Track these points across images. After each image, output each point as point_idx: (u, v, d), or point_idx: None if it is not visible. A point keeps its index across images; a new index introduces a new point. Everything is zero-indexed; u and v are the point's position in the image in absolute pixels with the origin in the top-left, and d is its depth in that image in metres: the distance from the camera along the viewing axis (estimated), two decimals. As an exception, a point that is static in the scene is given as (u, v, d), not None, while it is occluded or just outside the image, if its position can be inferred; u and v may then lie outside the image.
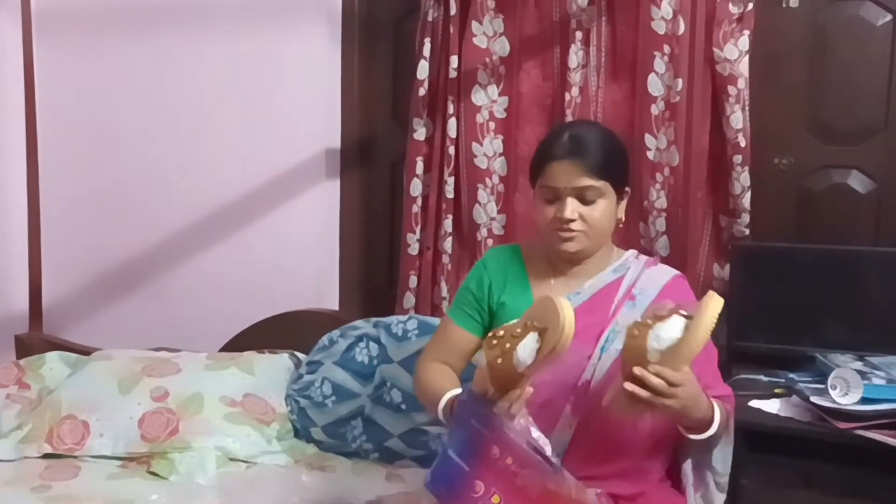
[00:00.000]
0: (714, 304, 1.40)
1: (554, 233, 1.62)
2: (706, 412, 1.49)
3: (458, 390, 1.63)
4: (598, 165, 1.59)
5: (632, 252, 1.76)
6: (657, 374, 1.37)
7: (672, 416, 1.47)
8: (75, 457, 2.17)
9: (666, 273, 1.72)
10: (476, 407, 1.44)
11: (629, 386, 1.38)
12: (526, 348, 1.40)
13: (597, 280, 1.67)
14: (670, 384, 1.38)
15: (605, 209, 1.62)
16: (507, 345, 1.41)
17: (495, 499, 1.40)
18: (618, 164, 1.65)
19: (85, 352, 2.62)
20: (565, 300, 1.42)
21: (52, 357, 2.60)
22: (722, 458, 1.66)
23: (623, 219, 1.68)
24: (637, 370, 1.38)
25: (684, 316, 1.41)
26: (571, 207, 1.59)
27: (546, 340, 1.40)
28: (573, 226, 1.60)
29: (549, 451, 1.44)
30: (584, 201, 1.60)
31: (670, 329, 1.40)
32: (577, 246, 1.63)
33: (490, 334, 1.45)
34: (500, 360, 1.40)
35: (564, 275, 1.69)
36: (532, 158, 1.69)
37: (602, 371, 1.60)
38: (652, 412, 1.43)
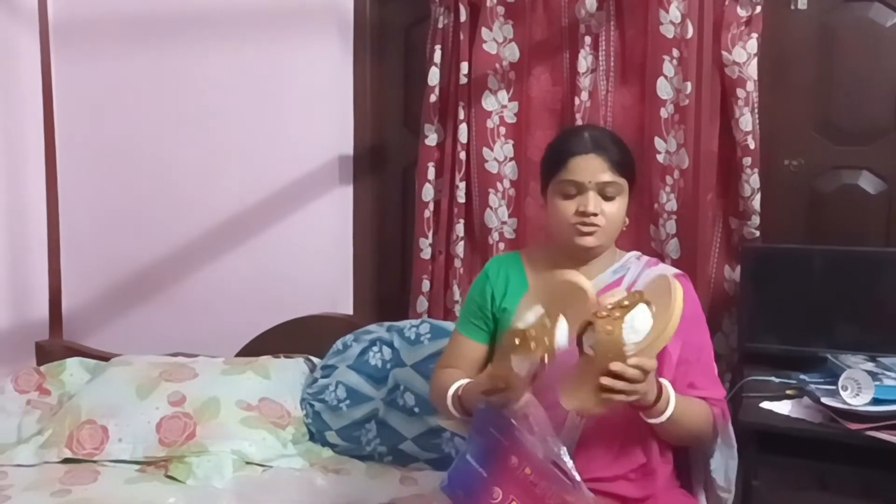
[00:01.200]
0: (677, 289, 1.40)
1: (574, 227, 1.62)
2: (655, 395, 1.48)
3: (467, 380, 1.63)
4: (619, 162, 1.62)
5: (634, 253, 1.77)
6: (636, 366, 1.37)
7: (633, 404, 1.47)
8: (94, 461, 2.20)
9: (666, 272, 1.70)
10: (494, 416, 1.45)
11: (607, 380, 1.37)
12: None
13: (597, 282, 1.67)
14: (645, 373, 1.39)
15: (621, 207, 1.64)
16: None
17: None
18: (632, 163, 1.68)
19: (104, 357, 2.66)
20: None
21: (72, 363, 2.64)
22: (724, 471, 1.67)
23: (627, 221, 1.69)
24: (618, 366, 1.36)
25: (646, 301, 1.40)
26: (595, 201, 1.60)
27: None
28: (595, 220, 1.61)
29: (570, 464, 1.43)
30: (605, 197, 1.61)
31: (642, 320, 1.39)
32: (596, 241, 1.63)
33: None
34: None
35: None
36: (545, 157, 1.70)
37: None
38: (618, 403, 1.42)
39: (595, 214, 1.60)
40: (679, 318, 1.38)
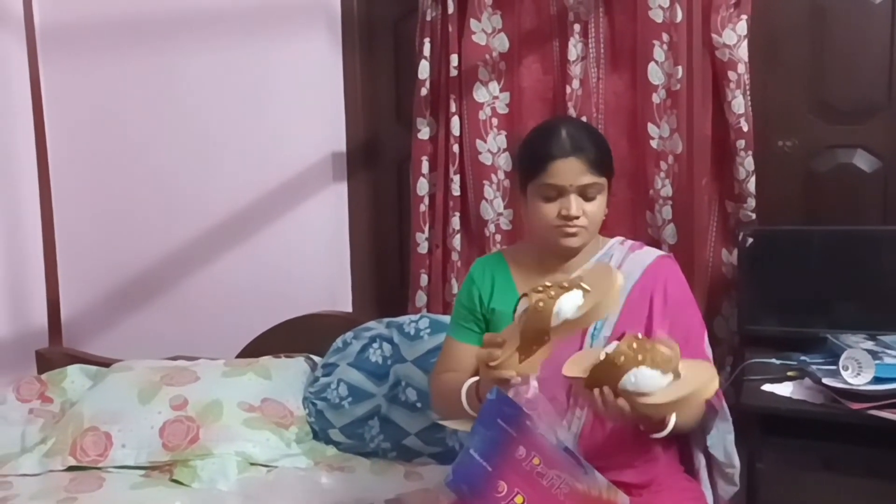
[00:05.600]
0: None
1: (557, 230, 1.62)
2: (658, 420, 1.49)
3: (473, 379, 1.62)
4: (598, 161, 1.61)
5: (617, 239, 1.77)
6: (617, 406, 1.38)
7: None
8: (99, 468, 2.20)
9: (650, 254, 1.72)
10: (503, 406, 1.44)
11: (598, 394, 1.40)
12: (570, 300, 1.42)
13: (582, 272, 1.66)
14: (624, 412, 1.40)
15: (601, 203, 1.64)
16: (553, 293, 1.43)
17: (518, 499, 1.40)
18: (610, 159, 1.68)
19: (105, 363, 2.65)
20: (619, 272, 1.46)
21: (73, 370, 2.64)
22: (722, 447, 1.68)
23: (607, 210, 1.69)
24: (605, 394, 1.39)
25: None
26: (577, 204, 1.60)
27: (588, 299, 1.42)
28: (578, 222, 1.61)
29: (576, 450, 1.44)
30: (586, 198, 1.61)
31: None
32: (580, 241, 1.65)
33: (537, 286, 1.46)
34: (541, 304, 1.41)
35: (552, 272, 1.69)
36: (522, 156, 1.70)
37: None
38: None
39: (577, 217, 1.60)
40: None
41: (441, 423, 1.68)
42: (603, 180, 1.63)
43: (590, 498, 1.40)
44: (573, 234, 1.62)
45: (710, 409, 1.65)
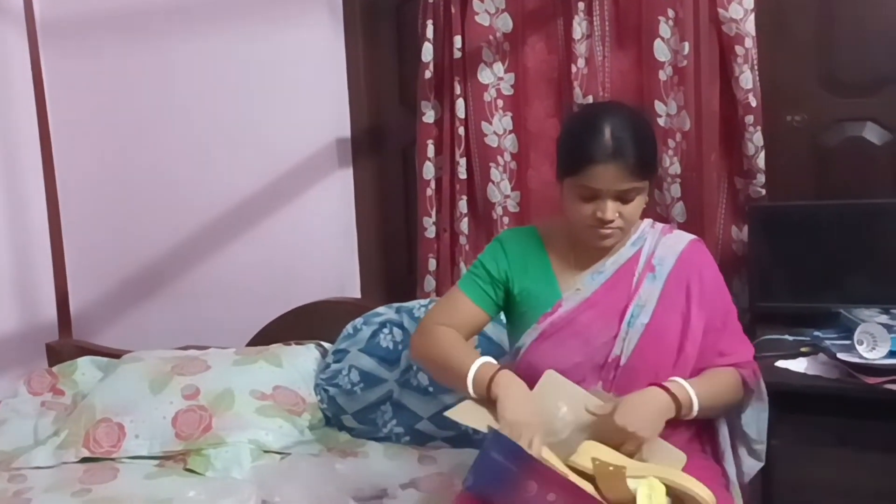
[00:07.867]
0: None
1: (591, 229, 1.60)
2: (670, 411, 1.54)
3: (485, 359, 1.60)
4: (640, 166, 1.55)
5: (647, 221, 1.74)
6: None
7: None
8: (113, 459, 2.20)
9: (682, 239, 1.71)
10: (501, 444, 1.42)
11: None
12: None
13: (618, 256, 1.67)
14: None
15: (639, 203, 1.60)
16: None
17: (551, 496, 1.36)
18: (654, 160, 1.63)
19: (115, 355, 2.66)
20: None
21: (84, 362, 2.65)
22: (756, 424, 1.69)
23: (647, 199, 1.65)
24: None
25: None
26: (613, 208, 1.56)
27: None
28: (612, 224, 1.58)
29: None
30: (624, 200, 1.57)
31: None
32: (614, 241, 1.63)
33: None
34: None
35: (586, 255, 1.68)
36: (562, 146, 1.64)
37: (630, 346, 1.61)
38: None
39: (612, 220, 1.57)
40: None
41: (448, 415, 1.62)
42: (643, 183, 1.58)
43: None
44: (607, 236, 1.60)
45: (747, 390, 1.66)
